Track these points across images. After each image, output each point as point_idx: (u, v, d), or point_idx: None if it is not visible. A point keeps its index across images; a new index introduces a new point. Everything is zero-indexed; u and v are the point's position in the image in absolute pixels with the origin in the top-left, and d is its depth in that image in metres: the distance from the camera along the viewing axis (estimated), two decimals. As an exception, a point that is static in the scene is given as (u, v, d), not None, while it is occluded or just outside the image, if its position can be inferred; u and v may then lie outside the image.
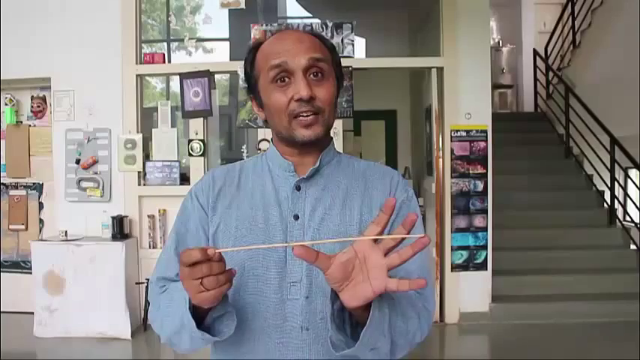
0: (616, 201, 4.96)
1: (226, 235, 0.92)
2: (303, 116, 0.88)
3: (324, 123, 0.91)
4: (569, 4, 6.38)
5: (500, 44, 7.88)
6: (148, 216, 3.95)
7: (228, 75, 5.09)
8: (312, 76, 0.88)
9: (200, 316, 0.80)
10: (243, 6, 3.92)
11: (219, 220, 0.94)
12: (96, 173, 3.98)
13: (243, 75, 0.99)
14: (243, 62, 0.97)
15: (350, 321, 0.78)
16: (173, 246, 0.96)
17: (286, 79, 0.88)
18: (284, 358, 0.87)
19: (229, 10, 4.07)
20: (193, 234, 0.95)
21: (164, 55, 4.17)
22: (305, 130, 0.89)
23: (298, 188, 0.93)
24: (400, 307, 0.81)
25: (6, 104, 4.26)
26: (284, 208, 0.92)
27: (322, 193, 0.93)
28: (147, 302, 3.84)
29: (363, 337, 0.74)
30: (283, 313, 0.87)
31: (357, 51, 4.09)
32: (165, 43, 5.68)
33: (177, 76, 3.96)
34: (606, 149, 4.96)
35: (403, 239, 0.70)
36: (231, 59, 5.04)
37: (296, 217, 0.91)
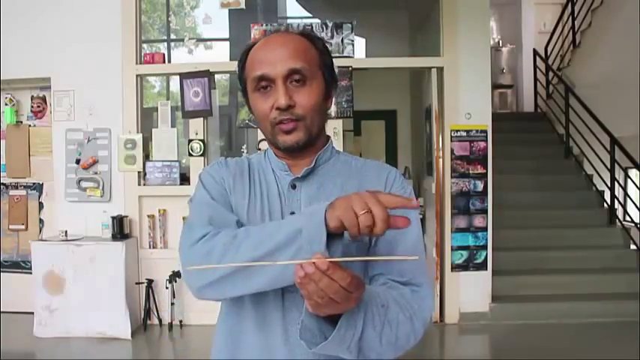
0: (616, 201, 4.96)
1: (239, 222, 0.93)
2: (283, 123, 0.89)
3: (306, 129, 0.91)
4: (569, 4, 6.38)
5: (500, 44, 7.88)
6: (148, 216, 3.94)
7: (228, 75, 5.09)
8: (293, 82, 0.89)
9: None
10: (243, 6, 3.93)
11: (235, 202, 0.94)
12: (96, 173, 3.98)
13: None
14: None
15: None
16: (207, 197, 0.92)
17: (268, 88, 0.89)
18: (282, 352, 0.87)
19: (229, 10, 4.08)
20: (221, 194, 0.94)
21: (164, 55, 4.18)
22: (286, 136, 0.90)
23: (294, 187, 0.94)
24: (389, 314, 0.80)
25: (6, 104, 4.26)
26: (284, 205, 0.94)
27: (317, 192, 0.94)
28: (147, 302, 3.85)
29: (321, 349, 0.75)
30: (282, 308, 0.88)
31: (357, 51, 4.09)
32: (165, 43, 5.68)
33: (177, 76, 3.96)
34: (606, 149, 4.95)
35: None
36: (231, 59, 5.03)
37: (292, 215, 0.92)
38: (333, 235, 0.74)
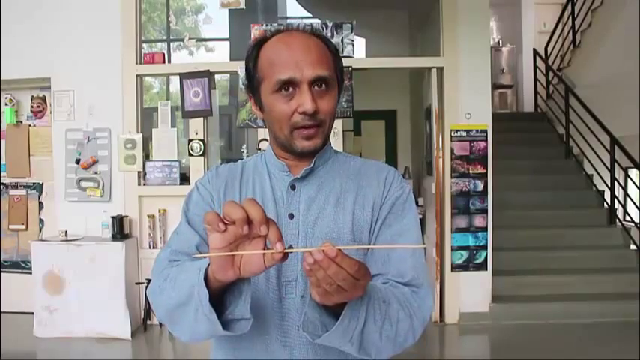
0: (616, 201, 4.96)
1: None
2: (305, 128, 0.88)
3: (324, 134, 0.92)
4: (569, 4, 6.38)
5: (500, 44, 7.88)
6: (148, 216, 3.95)
7: (228, 75, 5.09)
8: (316, 87, 0.88)
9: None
10: (243, 6, 3.93)
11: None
12: (96, 173, 3.98)
13: (244, 71, 0.98)
14: (243, 62, 0.96)
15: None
16: (185, 223, 0.95)
17: (290, 89, 0.88)
18: (282, 355, 0.88)
19: (229, 10, 4.07)
20: (205, 212, 0.95)
21: (164, 55, 4.17)
22: (306, 141, 0.90)
23: (293, 188, 0.94)
24: (390, 310, 0.80)
25: (6, 104, 4.26)
26: (280, 207, 0.93)
27: (316, 193, 0.94)
28: (147, 302, 3.85)
29: (324, 339, 0.76)
30: (281, 311, 0.88)
31: (357, 51, 4.09)
32: (165, 43, 5.69)
33: (177, 76, 3.96)
34: (606, 149, 4.95)
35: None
36: (231, 59, 5.04)
37: (291, 217, 0.92)
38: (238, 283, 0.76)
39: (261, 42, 0.93)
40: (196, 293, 0.76)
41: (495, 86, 7.30)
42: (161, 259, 0.92)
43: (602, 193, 5.20)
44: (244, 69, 0.96)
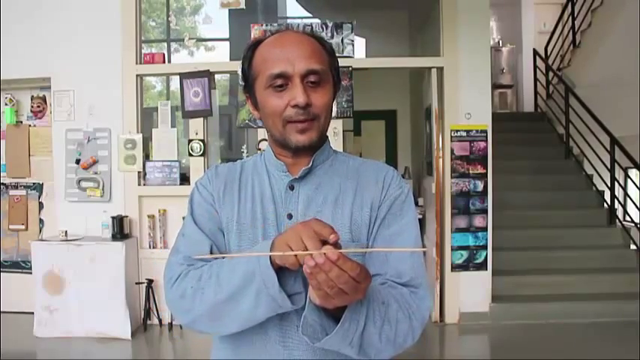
0: (616, 201, 4.96)
1: (229, 229, 0.93)
2: (298, 122, 0.89)
3: (319, 128, 0.91)
4: (569, 4, 6.38)
5: (500, 44, 7.88)
6: (148, 216, 3.94)
7: (228, 75, 5.10)
8: (308, 83, 0.88)
9: None
10: (243, 6, 3.93)
11: (224, 213, 0.95)
12: (96, 173, 3.98)
13: (240, 72, 0.99)
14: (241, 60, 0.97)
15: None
16: (192, 225, 0.94)
17: (283, 84, 0.88)
18: (281, 355, 0.88)
19: (229, 10, 4.07)
20: (209, 213, 0.95)
21: (164, 55, 4.17)
22: (299, 135, 0.90)
23: (292, 188, 0.94)
24: (389, 312, 0.81)
25: (6, 104, 4.26)
26: (279, 207, 0.93)
27: (315, 193, 0.94)
28: (147, 302, 3.85)
29: (324, 343, 0.76)
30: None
31: (357, 51, 4.09)
32: (165, 43, 5.69)
33: (177, 76, 3.96)
34: (606, 149, 4.95)
35: None
36: (231, 59, 5.04)
37: (289, 216, 0.92)
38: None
39: (256, 44, 0.94)
40: (259, 277, 0.77)
41: (495, 86, 7.30)
42: (173, 263, 0.92)
43: (602, 193, 5.19)
44: (241, 69, 0.97)
